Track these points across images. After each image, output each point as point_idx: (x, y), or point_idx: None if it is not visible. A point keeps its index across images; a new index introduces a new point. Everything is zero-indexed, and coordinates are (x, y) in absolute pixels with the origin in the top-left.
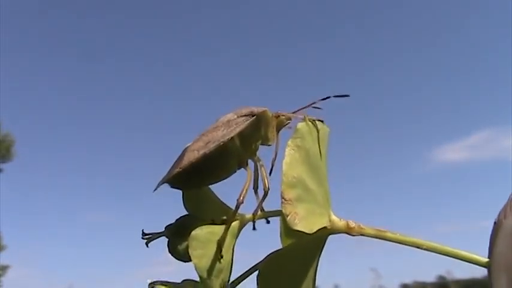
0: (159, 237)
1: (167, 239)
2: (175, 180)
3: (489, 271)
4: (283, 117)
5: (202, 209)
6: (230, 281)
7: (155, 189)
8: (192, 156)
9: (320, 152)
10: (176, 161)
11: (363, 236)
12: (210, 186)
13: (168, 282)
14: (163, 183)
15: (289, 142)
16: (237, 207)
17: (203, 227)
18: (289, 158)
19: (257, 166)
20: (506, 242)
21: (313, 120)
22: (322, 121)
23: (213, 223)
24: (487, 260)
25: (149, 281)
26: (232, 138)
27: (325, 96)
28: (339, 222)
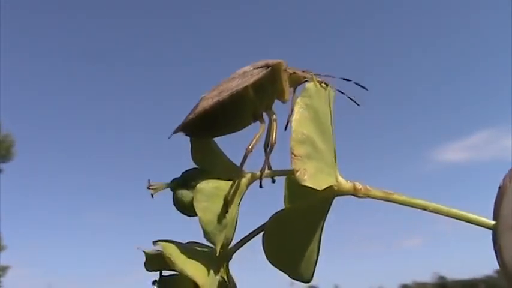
0: (164, 188)
1: (172, 192)
2: (189, 127)
3: (495, 233)
4: (300, 74)
5: (210, 164)
6: (237, 241)
7: (170, 136)
8: (205, 103)
9: (327, 113)
10: (190, 110)
11: (369, 198)
12: (224, 136)
13: (173, 240)
14: (178, 130)
15: (298, 100)
16: (246, 156)
17: (209, 180)
18: (298, 116)
19: (270, 120)
20: None
21: (321, 82)
22: (327, 84)
23: (219, 178)
24: (493, 222)
25: (154, 240)
26: (246, 87)
27: (347, 78)
28: (346, 183)
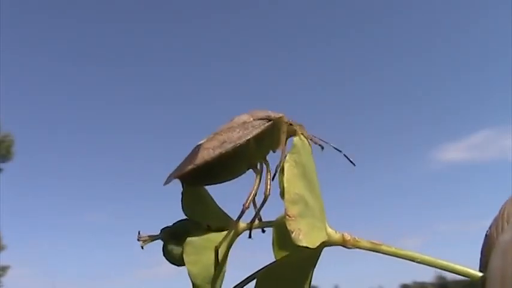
0: (154, 240)
1: (162, 242)
2: (187, 176)
3: (483, 285)
4: (296, 126)
5: (199, 213)
6: None
7: (165, 184)
8: (206, 154)
9: (313, 165)
10: (188, 158)
11: (358, 249)
12: (214, 185)
13: None
14: (174, 178)
15: (288, 158)
16: (243, 212)
17: (199, 232)
18: (289, 174)
19: (266, 171)
20: (501, 258)
21: (306, 137)
22: (313, 140)
23: (209, 229)
24: (481, 274)
25: None
26: (248, 140)
27: (338, 149)
28: (335, 235)
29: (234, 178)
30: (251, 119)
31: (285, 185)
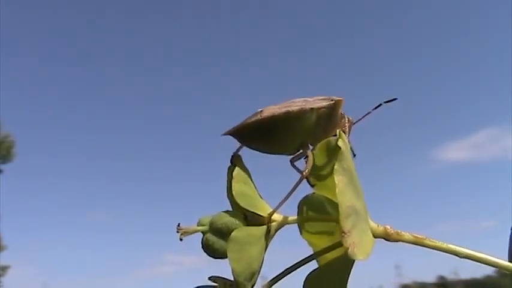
0: (194, 232)
1: (202, 235)
2: (246, 130)
3: None
4: (348, 120)
5: (245, 202)
6: (269, 280)
7: (224, 134)
8: (274, 111)
9: (353, 165)
10: (250, 117)
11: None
12: (267, 153)
13: (226, 279)
14: (234, 131)
15: (336, 167)
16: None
17: (242, 228)
18: (341, 185)
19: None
20: None
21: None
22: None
23: (246, 218)
24: None
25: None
26: (312, 109)
27: (377, 105)
28: (378, 228)
29: (284, 151)
30: (312, 98)
31: (338, 198)
